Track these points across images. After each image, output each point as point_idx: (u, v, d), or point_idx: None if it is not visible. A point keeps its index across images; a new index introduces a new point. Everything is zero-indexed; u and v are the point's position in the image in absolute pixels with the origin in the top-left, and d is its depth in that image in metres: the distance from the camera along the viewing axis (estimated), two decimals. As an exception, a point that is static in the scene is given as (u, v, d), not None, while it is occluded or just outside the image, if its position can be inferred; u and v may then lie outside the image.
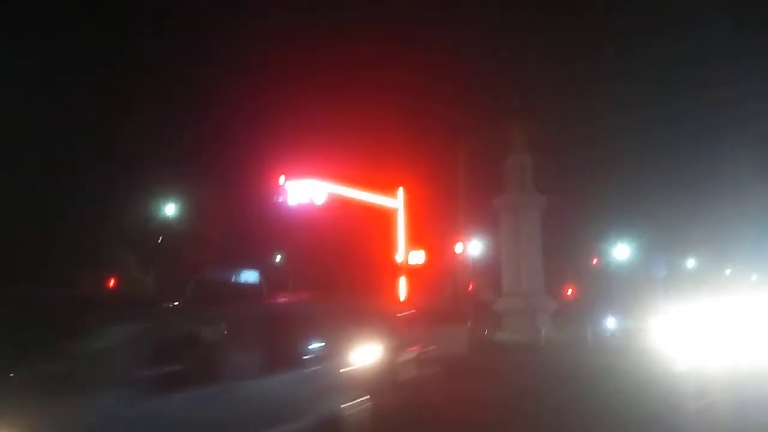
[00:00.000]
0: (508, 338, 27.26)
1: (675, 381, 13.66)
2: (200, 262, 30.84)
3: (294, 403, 6.22)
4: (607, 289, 40.22)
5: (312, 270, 33.62)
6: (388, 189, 25.75)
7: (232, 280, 19.90)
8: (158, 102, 30.69)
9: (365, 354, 10.80)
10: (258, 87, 33.74)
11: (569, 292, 44.55)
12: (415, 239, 26.24)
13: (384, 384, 10.49)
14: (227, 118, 33.44)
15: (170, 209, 31.66)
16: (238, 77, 37.61)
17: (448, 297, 29.67)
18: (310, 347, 6.84)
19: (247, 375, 5.78)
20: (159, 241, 32.60)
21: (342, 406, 6.94)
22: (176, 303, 8.96)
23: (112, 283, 30.53)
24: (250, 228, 32.17)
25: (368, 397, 7.38)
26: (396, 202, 25.84)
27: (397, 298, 24.93)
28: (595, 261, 46.94)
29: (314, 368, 6.68)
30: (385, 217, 26.13)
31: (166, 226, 32.15)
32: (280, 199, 24.23)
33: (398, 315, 13.63)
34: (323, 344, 6.99)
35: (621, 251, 41.76)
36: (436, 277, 29.99)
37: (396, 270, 25.63)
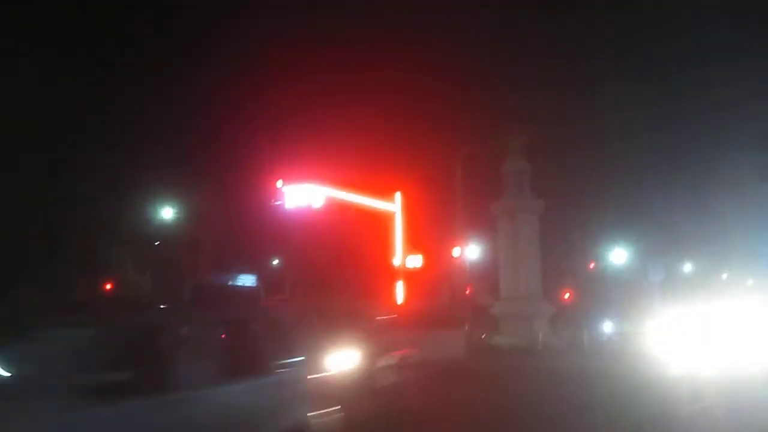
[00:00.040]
0: (506, 342, 27.26)
1: (670, 385, 13.69)
2: (198, 265, 30.87)
3: (257, 413, 5.83)
4: (605, 293, 40.27)
5: (309, 274, 33.64)
6: (385, 193, 25.83)
7: (230, 283, 19.92)
8: (155, 104, 30.76)
9: (340, 359, 10.65)
10: (256, 90, 33.76)
11: (567, 296, 44.61)
12: (413, 243, 26.32)
13: (361, 390, 10.26)
14: (225, 121, 33.47)
15: (167, 212, 31.67)
16: (237, 80, 37.65)
17: (445, 301, 29.69)
18: (276, 353, 6.40)
19: (205, 383, 5.36)
20: (156, 244, 32.59)
21: (309, 415, 6.58)
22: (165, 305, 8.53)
23: (108, 286, 30.52)
24: (248, 231, 32.18)
25: (339, 407, 7.01)
26: (393, 206, 25.93)
27: (394, 301, 24.99)
28: (592, 265, 47.02)
29: (280, 375, 6.24)
30: (382, 221, 26.20)
31: (164, 229, 32.15)
32: (278, 203, 24.31)
33: (379, 319, 13.00)
34: (292, 350, 6.65)
35: (618, 255, 41.88)
36: (434, 281, 30.04)
37: (393, 274, 25.68)
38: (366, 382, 10.81)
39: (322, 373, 7.43)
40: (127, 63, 31.05)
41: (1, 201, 23.86)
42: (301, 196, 23.90)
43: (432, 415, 10.75)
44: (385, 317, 13.45)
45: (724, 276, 51.14)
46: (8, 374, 5.10)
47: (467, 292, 32.63)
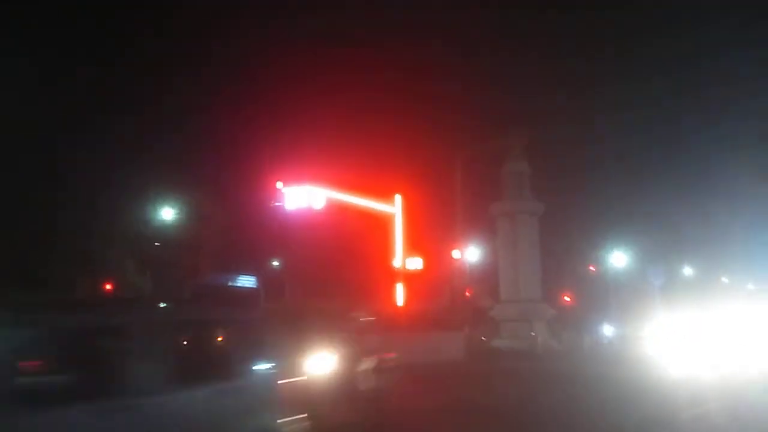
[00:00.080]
0: (506, 345, 27.25)
1: (670, 389, 13.66)
2: (198, 266, 30.84)
3: (219, 420, 5.43)
4: (604, 296, 40.26)
5: (309, 275, 33.62)
6: (385, 195, 25.84)
7: (230, 284, 19.86)
8: (156, 105, 30.75)
9: (317, 363, 10.36)
10: (257, 91, 33.83)
11: (566, 299, 44.62)
12: (413, 245, 26.32)
13: (338, 395, 10.04)
14: (226, 122, 33.52)
15: (168, 213, 31.64)
16: (237, 81, 37.72)
17: (445, 303, 29.67)
18: (243, 357, 6.01)
19: (159, 388, 4.95)
20: (156, 244, 32.56)
21: (279, 422, 6.20)
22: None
23: (108, 287, 30.49)
24: (248, 232, 32.17)
25: (308, 414, 6.69)
26: (393, 207, 25.93)
27: (394, 303, 24.97)
28: (592, 268, 47.01)
29: (247, 380, 5.87)
30: (382, 223, 26.21)
31: (164, 229, 32.12)
32: (278, 204, 24.32)
33: (358, 321, 12.69)
34: (261, 354, 6.23)
35: (618, 259, 41.85)
36: (434, 284, 30.04)
37: (393, 276, 25.67)
38: (344, 386, 10.48)
39: (295, 377, 7.07)
40: (127, 63, 31.15)
41: (1, 201, 23.85)
42: (301, 197, 23.91)
43: (412, 421, 10.53)
44: (365, 319, 12.94)
45: (725, 280, 51.11)
46: None
47: (467, 294, 32.63)
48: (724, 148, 40.60)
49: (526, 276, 29.90)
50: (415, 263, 25.96)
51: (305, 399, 6.89)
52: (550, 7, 36.50)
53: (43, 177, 26.12)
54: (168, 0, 34.45)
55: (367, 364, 11.33)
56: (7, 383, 4.27)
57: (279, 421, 6.18)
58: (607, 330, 32.49)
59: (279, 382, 6.40)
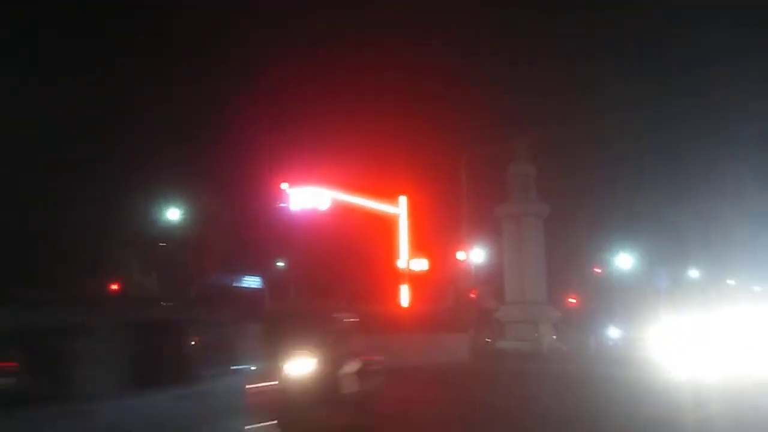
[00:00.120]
0: (511, 346, 27.22)
1: (674, 391, 13.63)
2: (203, 266, 30.92)
3: (177, 427, 5.11)
4: (610, 298, 40.14)
5: (314, 276, 33.65)
6: (390, 196, 25.89)
7: (235, 285, 19.90)
8: (161, 106, 30.86)
9: (296, 366, 10.10)
10: (262, 92, 33.90)
11: (572, 300, 44.50)
12: (418, 247, 26.36)
13: (317, 400, 9.74)
14: (232, 123, 33.59)
15: (173, 213, 31.73)
16: (243, 82, 37.85)
17: (450, 304, 29.66)
18: (209, 360, 5.67)
19: (114, 391, 4.66)
20: (162, 245, 32.67)
21: (246, 428, 5.84)
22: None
23: (114, 286, 30.62)
24: (253, 233, 32.23)
25: (277, 421, 6.36)
26: (398, 209, 25.97)
27: (399, 304, 25.00)
28: (597, 270, 46.89)
29: (212, 385, 5.50)
30: (387, 224, 26.25)
31: (169, 230, 32.22)
32: (284, 205, 24.40)
33: (342, 322, 12.07)
34: (225, 355, 5.87)
35: (624, 261, 41.75)
36: (439, 285, 30.04)
37: (398, 277, 25.70)
38: (324, 390, 10.15)
39: (271, 381, 6.67)
40: (133, 64, 31.23)
41: (7, 202, 23.98)
42: (306, 198, 23.98)
43: (394, 428, 10.30)
44: (348, 320, 12.33)
45: (730, 282, 50.89)
46: None
47: (472, 295, 32.60)
48: (730, 150, 40.38)
49: (531, 278, 29.86)
50: (420, 264, 25.99)
51: (280, 404, 6.56)
52: (554, 8, 36.44)
53: (49, 177, 26.25)
54: (173, 1, 34.59)
55: (350, 366, 10.90)
56: None
57: (246, 427, 5.82)
58: (613, 332, 32.40)
59: (249, 386, 6.02)
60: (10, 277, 21.03)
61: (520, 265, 30.09)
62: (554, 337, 28.28)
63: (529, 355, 25.07)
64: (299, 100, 32.34)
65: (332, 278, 32.00)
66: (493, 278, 34.57)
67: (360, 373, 11.00)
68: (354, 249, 30.90)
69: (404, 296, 25.27)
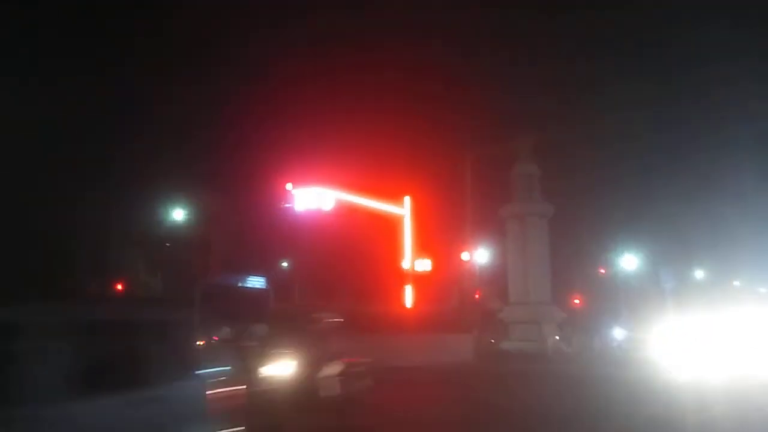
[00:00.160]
0: (515, 347, 27.19)
1: (677, 393, 13.61)
2: (208, 266, 31.02)
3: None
4: (615, 299, 40.06)
5: (318, 276, 33.71)
6: (394, 196, 25.91)
7: (240, 285, 19.94)
8: (165, 106, 30.97)
9: (274, 368, 9.66)
10: (267, 93, 33.99)
11: (576, 301, 44.44)
12: (422, 247, 26.37)
13: (297, 404, 9.37)
14: (236, 123, 33.70)
15: (178, 214, 31.86)
16: (248, 83, 37.93)
17: (454, 305, 29.65)
18: (169, 363, 5.30)
19: (63, 395, 4.36)
20: (167, 245, 32.80)
21: None
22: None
23: (119, 287, 30.75)
24: (258, 233, 32.32)
25: (243, 428, 6.03)
26: (403, 209, 25.99)
27: (403, 304, 25.02)
28: (602, 271, 46.80)
29: (170, 388, 5.17)
30: (391, 225, 26.27)
31: (174, 230, 32.34)
32: (288, 205, 24.45)
33: (323, 322, 11.50)
34: (186, 357, 5.54)
35: (628, 261, 41.64)
36: (443, 285, 30.04)
37: (402, 277, 25.72)
38: (302, 393, 9.70)
39: (240, 385, 6.28)
40: (135, 64, 31.36)
41: (12, 202, 24.09)
42: (311, 198, 24.01)
43: (400, 426, 10.06)
44: (331, 320, 11.69)
45: (736, 283, 50.70)
46: None
47: (476, 296, 32.58)
48: (731, 150, 40.24)
49: (535, 278, 29.81)
50: (424, 265, 26.00)
51: (250, 409, 6.27)
52: (554, 8, 36.41)
53: (54, 178, 26.36)
54: (174, 1, 34.70)
55: (331, 369, 10.38)
56: None
57: None
58: (617, 333, 32.32)
59: (214, 390, 5.68)
60: (12, 277, 21.13)
61: (524, 266, 30.05)
62: (558, 337, 28.23)
63: (533, 355, 25.03)
64: (303, 100, 32.40)
65: (336, 279, 32.06)
66: (497, 279, 34.55)
67: (343, 376, 10.46)
68: (358, 249, 30.94)
69: (408, 297, 25.29)
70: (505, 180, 31.05)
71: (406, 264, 25.58)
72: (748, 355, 16.73)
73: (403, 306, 25.06)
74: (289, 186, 24.11)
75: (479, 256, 33.87)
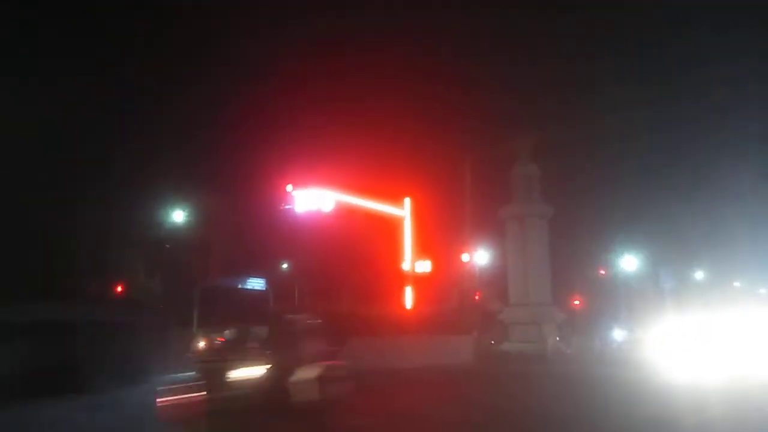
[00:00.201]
0: (515, 348, 27.19)
1: (677, 394, 13.62)
2: (208, 268, 31.01)
3: None
4: (614, 299, 40.06)
5: (318, 278, 33.72)
6: (395, 198, 25.90)
7: (239, 287, 19.95)
8: (165, 107, 30.99)
9: (242, 372, 9.33)
10: (267, 94, 34.02)
11: (576, 302, 44.45)
12: (422, 248, 26.34)
13: (267, 410, 9.02)
14: (236, 125, 33.72)
15: (178, 216, 31.86)
16: (248, 84, 37.95)
17: (454, 306, 29.66)
18: (109, 366, 4.96)
19: None
20: (167, 247, 32.78)
21: None
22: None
23: (119, 289, 30.74)
24: (258, 235, 32.33)
25: None
26: (403, 210, 25.98)
27: (403, 306, 25.00)
28: (602, 271, 46.80)
29: (112, 395, 4.84)
30: (392, 226, 26.26)
31: (174, 232, 32.34)
32: (288, 207, 24.43)
33: (299, 324, 10.95)
34: (135, 362, 5.15)
35: (628, 262, 41.64)
36: (443, 287, 30.06)
37: (402, 278, 25.71)
38: (275, 398, 9.31)
39: (203, 391, 5.74)
40: (135, 65, 31.39)
41: (12, 202, 24.09)
42: (311, 200, 23.98)
43: (400, 427, 9.94)
44: (309, 321, 11.15)
45: (737, 284, 50.72)
46: None
47: (476, 297, 32.60)
48: (731, 150, 40.26)
49: (535, 279, 29.80)
50: (424, 266, 25.97)
51: (212, 415, 5.83)
52: (554, 8, 36.44)
53: (54, 179, 26.36)
54: (179, 3, 34.70)
55: (307, 372, 9.89)
56: None
57: None
58: (617, 333, 32.33)
59: (168, 397, 5.14)
60: (12, 277, 21.12)
61: (524, 267, 30.04)
62: (558, 338, 28.24)
63: (533, 356, 25.03)
64: (303, 101, 32.43)
65: (336, 280, 32.06)
66: (497, 280, 34.56)
67: (321, 380, 9.97)
68: (358, 251, 30.95)
69: (408, 298, 25.28)
70: (505, 180, 31.06)
71: (406, 265, 25.56)
72: (748, 356, 16.73)
73: (403, 307, 25.04)
74: (289, 187, 24.09)
75: (479, 257, 33.90)
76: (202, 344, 16.52)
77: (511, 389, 15.72)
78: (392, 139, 31.37)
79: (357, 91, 33.58)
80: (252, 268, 27.82)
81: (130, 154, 28.74)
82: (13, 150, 23.50)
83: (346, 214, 25.74)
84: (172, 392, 5.40)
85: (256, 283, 22.14)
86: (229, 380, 9.05)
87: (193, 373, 5.58)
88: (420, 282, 25.87)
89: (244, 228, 32.64)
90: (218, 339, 15.04)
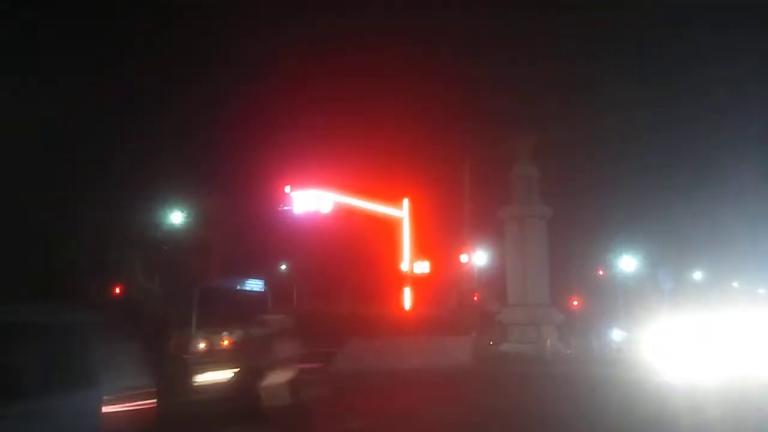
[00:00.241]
0: (513, 349, 27.20)
1: (675, 394, 13.62)
2: (207, 269, 31.00)
3: None
4: (613, 300, 40.09)
5: (317, 279, 33.72)
6: (393, 199, 25.91)
7: (238, 288, 19.92)
8: (163, 107, 30.96)
9: (205, 376, 9.13)
10: (265, 95, 34.00)
11: (575, 303, 44.48)
12: (421, 249, 26.35)
13: (234, 417, 8.73)
14: (235, 126, 33.71)
15: (177, 217, 31.84)
16: (247, 85, 37.93)
17: (453, 307, 29.65)
18: (46, 370, 4.59)
19: None
20: (165, 248, 32.76)
21: None
22: None
23: (117, 290, 30.72)
24: (257, 236, 32.32)
25: None
26: (401, 211, 25.99)
27: (402, 307, 25.02)
28: (601, 272, 46.83)
29: (49, 403, 4.46)
30: (390, 227, 26.26)
31: (173, 233, 32.32)
32: (287, 208, 24.44)
33: (270, 324, 10.37)
34: (77, 366, 4.74)
35: (627, 263, 41.68)
36: (442, 288, 30.05)
37: (401, 279, 25.72)
38: (242, 404, 8.95)
39: (150, 398, 5.33)
40: (138, 67, 31.37)
41: (12, 202, 24.09)
42: (309, 201, 24.00)
43: (399, 427, 9.80)
44: (281, 322, 10.50)
45: (735, 284, 50.77)
46: None
47: (475, 298, 32.60)
48: (731, 150, 40.26)
49: (534, 280, 29.82)
50: (423, 267, 25.98)
51: (171, 422, 5.58)
52: (554, 8, 36.42)
53: (52, 180, 26.35)
54: (179, 3, 34.69)
55: (278, 376, 9.43)
56: None
57: None
58: (616, 334, 32.36)
59: (116, 406, 4.84)
60: (12, 277, 21.10)
61: (522, 268, 30.05)
62: (557, 339, 28.26)
63: (532, 357, 25.04)
64: (302, 102, 32.41)
65: (335, 281, 32.07)
66: (495, 280, 34.56)
67: (294, 384, 9.53)
68: (357, 252, 30.95)
69: (407, 299, 25.28)
70: (504, 181, 31.07)
71: (404, 266, 25.57)
72: (747, 356, 16.74)
73: (402, 308, 25.05)
74: (287, 188, 24.10)
75: (478, 258, 33.89)
76: (202, 345, 16.56)
77: (510, 390, 15.73)
78: (391, 140, 31.36)
79: (356, 91, 33.54)
80: (251, 269, 27.81)
81: (130, 154, 28.75)
82: (13, 150, 23.49)
83: (345, 215, 25.75)
84: (125, 398, 5.01)
85: (255, 285, 22.13)
86: (197, 384, 8.82)
87: (149, 377, 5.09)
88: (419, 283, 25.87)
89: (243, 229, 32.64)
90: (224, 341, 14.87)
